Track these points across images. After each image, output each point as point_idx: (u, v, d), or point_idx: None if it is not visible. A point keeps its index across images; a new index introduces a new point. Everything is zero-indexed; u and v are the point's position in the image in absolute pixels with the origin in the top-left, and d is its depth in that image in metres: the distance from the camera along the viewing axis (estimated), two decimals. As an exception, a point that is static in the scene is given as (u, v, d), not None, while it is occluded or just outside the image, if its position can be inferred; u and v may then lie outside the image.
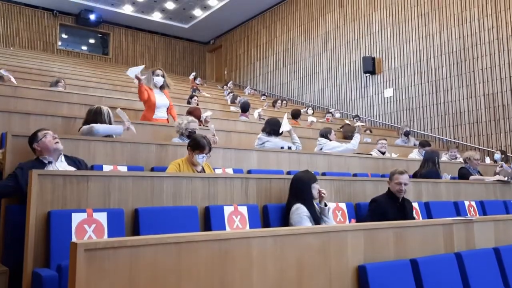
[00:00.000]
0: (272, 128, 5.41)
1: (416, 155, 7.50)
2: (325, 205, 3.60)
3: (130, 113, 6.21)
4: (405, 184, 4.04)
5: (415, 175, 5.78)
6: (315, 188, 3.56)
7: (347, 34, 13.15)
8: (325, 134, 6.32)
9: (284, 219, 3.54)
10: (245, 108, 7.82)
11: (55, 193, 2.66)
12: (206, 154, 3.87)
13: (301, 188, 3.56)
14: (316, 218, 3.48)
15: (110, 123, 4.29)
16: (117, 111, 4.44)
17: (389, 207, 3.96)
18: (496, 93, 9.37)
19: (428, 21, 10.90)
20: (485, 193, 5.52)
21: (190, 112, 5.87)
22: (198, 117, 5.79)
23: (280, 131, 5.41)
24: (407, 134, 8.96)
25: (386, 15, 11.99)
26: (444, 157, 7.85)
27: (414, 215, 4.27)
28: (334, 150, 6.12)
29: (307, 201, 3.50)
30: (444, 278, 2.74)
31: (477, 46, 9.82)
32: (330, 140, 6.26)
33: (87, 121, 4.21)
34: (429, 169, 5.67)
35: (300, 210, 3.42)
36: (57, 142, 3.28)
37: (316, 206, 3.57)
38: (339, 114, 12.17)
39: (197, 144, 3.85)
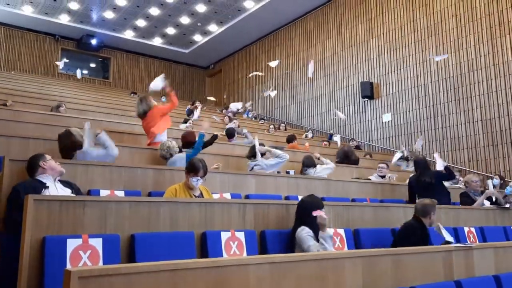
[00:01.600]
0: (250, 153, 5.77)
1: None
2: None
3: (129, 137, 6.24)
4: None
5: (418, 182, 5.74)
6: (318, 213, 3.52)
7: (345, 60, 13.31)
8: (311, 164, 6.18)
9: (287, 245, 3.51)
10: (231, 134, 7.87)
11: (51, 218, 2.64)
12: (201, 178, 3.87)
13: (304, 214, 3.55)
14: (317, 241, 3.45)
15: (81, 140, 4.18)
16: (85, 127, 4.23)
17: (421, 236, 4.04)
18: (493, 118, 9.43)
19: (424, 47, 11.05)
20: (484, 219, 5.49)
21: (184, 137, 5.89)
22: (192, 142, 5.78)
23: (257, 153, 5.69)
24: (407, 159, 8.87)
25: (383, 41, 12.16)
26: (446, 183, 7.80)
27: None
28: (322, 172, 6.09)
29: (312, 226, 3.48)
30: (444, 306, 2.70)
31: (473, 72, 9.93)
32: (315, 166, 6.20)
33: (65, 147, 4.15)
34: (430, 172, 5.72)
35: (305, 231, 3.42)
36: (60, 165, 3.40)
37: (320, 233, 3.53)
38: (338, 138, 12.16)
39: (192, 167, 3.87)
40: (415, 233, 3.98)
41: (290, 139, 8.64)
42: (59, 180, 3.38)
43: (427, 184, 5.63)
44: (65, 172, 3.41)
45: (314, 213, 3.48)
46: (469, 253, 3.09)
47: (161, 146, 5.02)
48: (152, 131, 5.68)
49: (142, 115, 5.82)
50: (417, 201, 4.58)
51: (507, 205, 5.87)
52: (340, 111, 13.09)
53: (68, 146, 4.13)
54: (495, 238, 5.06)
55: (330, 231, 3.83)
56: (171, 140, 5.19)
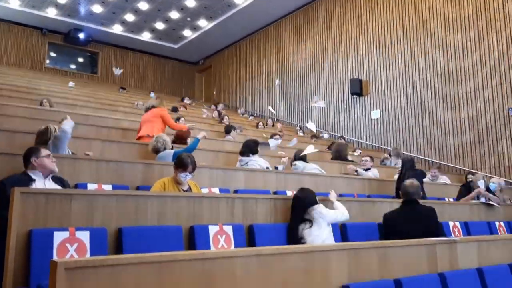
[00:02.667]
0: (250, 148, 5.55)
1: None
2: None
3: (117, 132, 6.22)
4: None
5: (400, 181, 5.75)
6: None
7: (335, 56, 13.36)
8: (304, 158, 6.15)
9: (275, 238, 3.55)
10: (228, 130, 7.90)
11: (38, 211, 2.63)
12: (189, 173, 3.88)
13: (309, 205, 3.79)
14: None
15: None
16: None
17: None
18: (480, 115, 9.54)
19: (413, 44, 11.14)
20: (469, 214, 5.57)
21: (178, 135, 5.94)
22: (185, 139, 5.87)
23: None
24: (397, 155, 8.88)
25: (372, 38, 12.23)
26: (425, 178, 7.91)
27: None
28: (313, 170, 6.10)
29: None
30: (428, 298, 2.74)
31: (461, 69, 10.04)
32: (307, 162, 6.21)
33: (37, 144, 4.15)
34: (413, 173, 5.73)
35: (321, 207, 3.80)
36: (54, 164, 3.33)
37: None
38: (327, 135, 12.25)
39: (181, 163, 3.87)
40: None
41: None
42: (53, 177, 3.34)
43: None
44: (57, 171, 3.36)
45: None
46: (453, 246, 3.14)
47: (157, 139, 4.97)
48: (146, 129, 5.85)
49: (148, 109, 6.15)
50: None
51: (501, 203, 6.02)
52: (326, 105, 13.14)
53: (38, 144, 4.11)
54: (479, 233, 5.14)
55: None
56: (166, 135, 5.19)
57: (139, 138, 5.85)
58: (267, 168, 5.51)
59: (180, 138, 5.88)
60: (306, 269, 2.34)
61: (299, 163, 6.14)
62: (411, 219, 4.07)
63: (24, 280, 2.46)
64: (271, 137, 7.66)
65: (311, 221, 3.72)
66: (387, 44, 11.80)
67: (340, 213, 3.92)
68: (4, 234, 2.58)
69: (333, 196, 4.18)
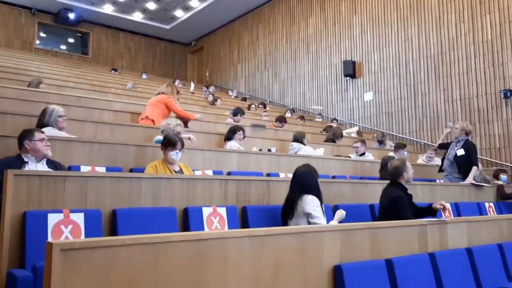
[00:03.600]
0: (302, 139, 6.27)
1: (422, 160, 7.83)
2: None
3: (110, 114, 6.19)
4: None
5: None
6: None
7: (328, 38, 13.28)
8: (300, 139, 6.27)
9: (268, 219, 3.56)
10: (235, 113, 7.92)
11: (31, 193, 2.63)
12: (179, 150, 3.88)
13: (309, 182, 3.56)
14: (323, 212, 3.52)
15: (48, 122, 4.16)
16: None
17: (408, 200, 4.07)
18: (472, 97, 9.59)
19: (407, 25, 11.09)
20: (460, 195, 5.65)
21: (179, 119, 6.04)
22: (186, 123, 6.03)
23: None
24: (381, 142, 8.95)
25: (366, 19, 12.16)
26: (419, 159, 8.00)
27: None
28: (311, 152, 6.18)
29: (318, 194, 3.53)
30: (418, 277, 2.80)
31: (454, 50, 10.04)
32: (304, 145, 6.27)
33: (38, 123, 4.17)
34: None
35: (315, 202, 3.44)
36: (47, 148, 3.29)
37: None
38: (320, 118, 12.26)
39: (168, 141, 3.88)
40: (405, 204, 3.97)
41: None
42: (47, 161, 3.32)
43: None
44: (50, 155, 3.34)
45: None
46: (443, 227, 3.19)
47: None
48: (147, 111, 5.91)
49: (157, 94, 6.25)
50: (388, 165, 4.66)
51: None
52: (322, 89, 13.16)
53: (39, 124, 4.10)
54: (469, 213, 5.23)
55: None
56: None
57: (142, 120, 5.92)
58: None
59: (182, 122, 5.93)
60: (298, 249, 2.37)
61: (295, 144, 6.22)
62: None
63: (19, 262, 2.47)
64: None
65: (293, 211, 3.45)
66: (381, 25, 11.74)
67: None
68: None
69: (339, 216, 3.63)
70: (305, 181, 3.56)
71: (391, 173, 4.21)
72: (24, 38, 16.69)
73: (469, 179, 5.92)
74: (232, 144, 5.66)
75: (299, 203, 3.44)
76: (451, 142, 6.40)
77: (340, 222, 3.52)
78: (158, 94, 6.20)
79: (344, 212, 3.64)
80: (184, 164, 4.06)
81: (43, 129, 4.00)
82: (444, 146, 6.61)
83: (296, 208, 3.44)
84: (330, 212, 4.12)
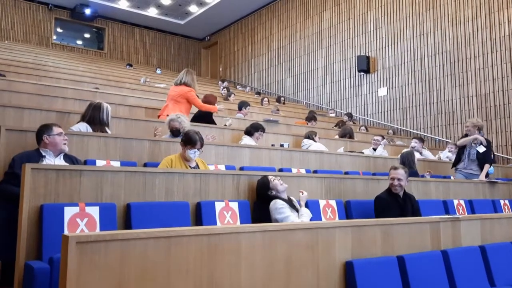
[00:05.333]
0: (313, 136, 6.38)
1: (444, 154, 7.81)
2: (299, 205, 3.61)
3: (125, 109, 6.25)
4: (398, 180, 4.08)
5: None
6: (274, 180, 3.54)
7: (342, 33, 13.20)
8: (311, 136, 6.42)
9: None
10: (241, 106, 7.91)
11: (48, 186, 2.69)
12: (198, 150, 3.92)
13: (263, 190, 3.54)
14: (292, 206, 3.49)
15: (107, 121, 4.31)
16: None
17: (391, 203, 4.01)
18: (488, 93, 9.46)
19: (422, 20, 10.97)
20: (474, 192, 5.60)
21: (206, 99, 6.23)
22: (213, 103, 6.19)
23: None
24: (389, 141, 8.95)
25: (381, 14, 12.05)
26: (442, 156, 7.90)
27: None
28: (319, 147, 6.22)
29: (272, 196, 3.49)
30: (430, 275, 2.79)
31: (470, 46, 9.90)
32: (315, 142, 6.33)
33: (84, 116, 4.26)
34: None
35: (277, 204, 3.41)
36: (65, 144, 3.35)
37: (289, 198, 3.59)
38: (333, 113, 12.22)
39: (189, 139, 3.90)
40: (386, 206, 3.97)
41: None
42: (65, 155, 3.38)
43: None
44: (67, 150, 3.40)
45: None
46: (456, 224, 3.17)
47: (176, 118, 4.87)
48: (169, 110, 5.70)
49: (178, 84, 5.91)
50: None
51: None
52: (336, 84, 13.09)
53: (87, 117, 4.22)
54: (483, 211, 5.17)
55: (322, 202, 3.93)
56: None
57: (161, 116, 5.81)
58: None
59: (208, 101, 6.18)
60: (310, 245, 2.38)
61: (306, 141, 6.28)
62: None
63: (36, 254, 2.53)
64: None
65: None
66: (396, 20, 11.62)
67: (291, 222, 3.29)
68: (15, 209, 2.65)
69: (304, 197, 3.66)
70: (260, 191, 3.56)
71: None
72: (41, 33, 16.92)
73: (482, 176, 5.89)
74: (248, 141, 5.68)
75: (270, 210, 3.43)
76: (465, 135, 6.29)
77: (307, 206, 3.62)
78: (178, 84, 5.93)
79: (306, 193, 3.67)
80: (201, 160, 4.09)
81: (79, 125, 4.12)
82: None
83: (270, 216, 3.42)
84: (342, 207, 4.13)
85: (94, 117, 4.22)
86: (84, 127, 4.16)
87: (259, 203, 3.57)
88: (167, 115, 5.33)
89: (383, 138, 7.35)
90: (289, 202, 3.51)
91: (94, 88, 7.55)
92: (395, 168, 4.15)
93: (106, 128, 4.32)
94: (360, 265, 2.49)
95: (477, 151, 6.03)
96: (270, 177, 3.58)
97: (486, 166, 5.97)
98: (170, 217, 3.04)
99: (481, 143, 6.02)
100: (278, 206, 3.39)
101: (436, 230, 3.04)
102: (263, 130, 5.90)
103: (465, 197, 5.35)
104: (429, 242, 2.99)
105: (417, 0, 11.14)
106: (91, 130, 4.16)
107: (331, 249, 2.47)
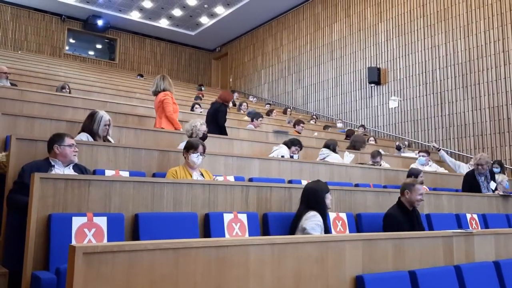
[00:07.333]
0: (334, 147, 6.33)
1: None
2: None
3: (133, 119, 6.27)
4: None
5: None
6: (329, 198, 3.55)
7: (353, 44, 13.19)
8: (332, 147, 6.32)
9: (288, 227, 3.52)
10: (252, 118, 7.91)
11: (57, 196, 2.68)
12: (200, 154, 3.91)
13: (315, 198, 3.51)
14: (326, 229, 3.47)
15: (97, 130, 4.16)
16: None
17: (403, 221, 3.93)
18: (501, 106, 9.35)
19: (434, 32, 10.92)
20: (487, 206, 5.50)
21: (222, 96, 6.51)
22: (228, 101, 6.46)
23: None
24: (399, 148, 9.04)
25: (392, 25, 12.03)
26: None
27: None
28: (343, 159, 6.22)
29: (322, 211, 3.47)
30: (442, 290, 2.73)
31: (482, 58, 9.82)
32: (336, 153, 6.26)
33: (83, 125, 4.24)
34: None
35: (316, 218, 3.38)
36: (75, 155, 3.34)
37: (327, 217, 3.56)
38: (341, 124, 12.15)
39: (190, 144, 3.92)
40: (397, 224, 3.85)
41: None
42: (74, 165, 3.36)
43: None
44: (76, 162, 3.38)
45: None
46: (469, 238, 3.10)
47: (195, 122, 4.81)
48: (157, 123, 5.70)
49: (159, 92, 5.67)
50: None
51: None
52: (346, 96, 13.05)
53: (84, 127, 4.19)
54: (497, 225, 5.08)
55: (331, 214, 3.87)
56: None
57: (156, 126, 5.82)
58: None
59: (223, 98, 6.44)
60: (319, 259, 2.34)
61: (325, 150, 6.26)
62: None
63: (43, 264, 2.52)
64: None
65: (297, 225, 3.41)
66: (407, 32, 11.59)
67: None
68: (23, 218, 2.64)
69: None
70: (310, 197, 3.52)
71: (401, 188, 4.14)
72: (54, 44, 17.15)
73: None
74: (284, 152, 5.76)
75: (303, 217, 3.42)
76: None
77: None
78: (155, 93, 5.70)
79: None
80: (205, 170, 4.08)
81: (80, 135, 4.10)
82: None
83: (300, 222, 3.41)
84: (352, 220, 4.07)
85: (88, 126, 4.18)
86: (85, 137, 4.11)
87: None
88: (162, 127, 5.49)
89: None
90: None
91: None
92: (422, 183, 4.08)
93: (109, 138, 4.28)
94: (371, 280, 2.44)
95: (493, 190, 6.03)
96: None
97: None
98: (178, 228, 3.01)
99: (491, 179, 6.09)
100: (315, 220, 3.36)
101: (449, 244, 2.98)
102: (300, 146, 6.06)
103: (478, 211, 5.26)
104: (442, 257, 2.92)
105: (428, 12, 11.11)
106: (92, 140, 4.13)
107: (341, 263, 2.42)
